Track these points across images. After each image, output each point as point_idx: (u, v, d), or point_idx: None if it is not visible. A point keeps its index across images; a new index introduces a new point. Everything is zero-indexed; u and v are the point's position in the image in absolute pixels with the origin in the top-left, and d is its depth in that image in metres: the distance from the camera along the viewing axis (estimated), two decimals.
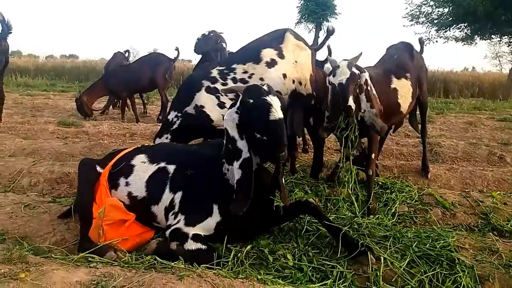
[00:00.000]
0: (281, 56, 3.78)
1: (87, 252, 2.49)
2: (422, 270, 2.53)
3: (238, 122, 2.56)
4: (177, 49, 8.74)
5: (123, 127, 7.52)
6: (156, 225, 2.88)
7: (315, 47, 4.30)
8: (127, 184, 2.93)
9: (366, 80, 3.40)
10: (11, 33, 6.30)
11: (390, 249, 2.74)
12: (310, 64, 3.95)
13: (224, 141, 2.68)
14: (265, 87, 2.55)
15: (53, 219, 3.14)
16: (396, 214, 3.53)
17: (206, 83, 3.78)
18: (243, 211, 2.49)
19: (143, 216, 2.84)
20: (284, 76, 3.77)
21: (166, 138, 3.86)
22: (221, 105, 3.74)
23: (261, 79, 3.71)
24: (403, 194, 3.83)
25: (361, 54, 3.47)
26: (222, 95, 3.74)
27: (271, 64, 3.75)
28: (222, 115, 3.67)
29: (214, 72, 3.80)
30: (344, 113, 3.39)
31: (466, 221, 3.53)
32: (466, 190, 4.19)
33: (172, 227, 2.67)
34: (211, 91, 3.76)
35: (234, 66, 3.80)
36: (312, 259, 2.59)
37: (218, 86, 3.74)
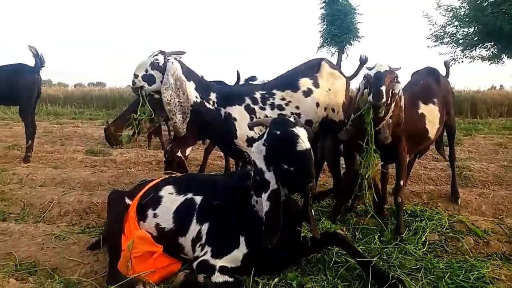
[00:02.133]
0: (317, 85, 3.89)
1: (117, 285, 2.52)
2: None
3: (265, 153, 2.57)
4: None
5: (149, 154, 7.64)
6: (184, 256, 2.89)
7: (349, 76, 4.34)
8: (155, 215, 2.96)
9: (399, 90, 3.35)
10: (43, 66, 6.60)
11: (421, 281, 2.67)
12: (343, 92, 4.03)
13: (252, 172, 2.70)
14: (291, 119, 2.58)
15: (83, 250, 3.19)
16: (427, 243, 3.42)
17: (248, 100, 3.85)
18: (273, 244, 2.48)
19: (170, 248, 2.86)
20: (318, 105, 3.86)
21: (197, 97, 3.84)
22: (251, 127, 3.77)
23: (297, 107, 3.83)
24: (433, 222, 3.73)
25: (400, 67, 3.45)
26: (255, 118, 3.78)
27: (308, 93, 3.85)
28: (247, 136, 3.78)
29: (257, 94, 3.88)
30: (371, 106, 3.22)
31: (500, 249, 3.40)
32: (499, 217, 4.06)
33: (199, 259, 2.66)
34: (249, 110, 3.82)
35: (274, 91, 3.89)
36: None
37: (257, 108, 3.83)
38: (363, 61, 3.97)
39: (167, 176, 3.42)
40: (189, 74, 3.88)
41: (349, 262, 2.84)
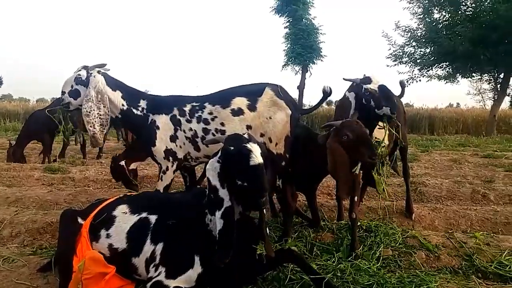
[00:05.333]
0: (252, 108, 3.75)
1: None
2: None
3: (219, 171, 2.59)
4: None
5: (109, 172, 7.49)
6: (137, 277, 2.83)
7: (308, 108, 4.26)
8: (108, 236, 2.90)
9: None
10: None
11: None
12: (287, 125, 3.77)
13: (207, 191, 2.71)
14: (245, 136, 2.62)
15: (32, 272, 3.08)
16: (381, 258, 3.51)
17: (175, 111, 3.89)
18: (225, 263, 2.48)
19: (123, 268, 2.80)
20: (249, 127, 3.73)
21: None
22: (173, 138, 3.86)
23: (222, 124, 3.76)
24: (387, 237, 3.82)
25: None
26: (180, 130, 3.85)
27: (237, 112, 3.75)
28: (166, 147, 3.85)
29: (187, 106, 3.90)
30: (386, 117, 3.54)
31: (450, 263, 3.51)
32: (450, 231, 4.21)
33: (153, 280, 2.62)
34: (175, 121, 3.87)
35: (205, 104, 3.86)
36: None
37: (183, 120, 3.86)
38: (326, 94, 3.83)
39: (121, 195, 3.37)
40: (115, 84, 4.02)
41: (304, 279, 2.87)
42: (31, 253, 3.50)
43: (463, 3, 18.47)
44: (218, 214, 2.54)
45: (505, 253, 3.55)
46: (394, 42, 20.68)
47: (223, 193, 2.56)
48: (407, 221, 4.62)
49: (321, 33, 23.07)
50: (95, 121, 3.82)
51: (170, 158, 3.90)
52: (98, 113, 3.83)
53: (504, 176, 7.32)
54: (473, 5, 18.09)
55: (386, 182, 3.74)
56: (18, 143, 8.90)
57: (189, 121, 3.84)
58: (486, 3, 17.42)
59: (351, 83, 3.86)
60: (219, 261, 2.49)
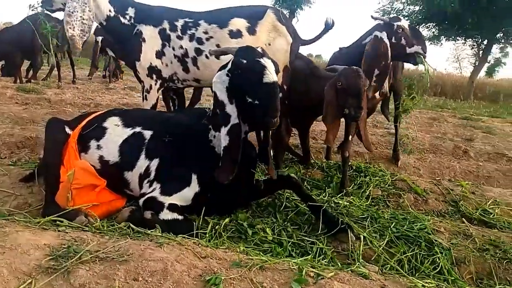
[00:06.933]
0: (252, 31, 3.49)
1: (55, 215, 2.31)
2: (401, 250, 2.51)
3: (228, 85, 2.42)
4: None
5: (87, 97, 7.20)
6: (129, 192, 2.71)
7: (309, 40, 4.00)
8: (98, 147, 2.73)
9: None
10: None
11: (368, 228, 2.71)
12: (286, 54, 3.57)
13: (212, 106, 2.55)
14: (259, 49, 2.42)
15: (14, 182, 2.91)
16: (370, 197, 3.51)
17: (165, 24, 3.53)
18: (229, 180, 2.38)
19: (114, 183, 2.67)
20: None
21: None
22: (159, 54, 3.53)
23: (217, 45, 3.44)
24: (376, 178, 3.82)
25: None
26: (168, 46, 3.51)
27: (235, 35, 3.46)
28: (150, 64, 3.51)
29: (180, 21, 3.53)
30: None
31: (437, 207, 3.56)
32: (437, 178, 4.25)
33: (147, 196, 2.51)
34: (164, 35, 3.52)
35: (200, 22, 3.52)
36: (292, 235, 2.52)
37: (173, 36, 3.50)
38: (328, 26, 3.63)
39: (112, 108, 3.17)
40: None
41: (299, 207, 2.83)
42: (11, 164, 3.30)
43: None
44: (224, 130, 2.41)
45: (489, 202, 3.62)
46: None
47: (231, 109, 2.41)
48: (392, 167, 4.64)
49: None
50: (76, 24, 3.42)
51: (154, 76, 3.58)
52: (81, 16, 3.43)
53: (482, 137, 7.43)
54: None
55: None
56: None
57: (180, 38, 3.50)
58: None
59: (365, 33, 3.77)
60: (222, 178, 2.38)
